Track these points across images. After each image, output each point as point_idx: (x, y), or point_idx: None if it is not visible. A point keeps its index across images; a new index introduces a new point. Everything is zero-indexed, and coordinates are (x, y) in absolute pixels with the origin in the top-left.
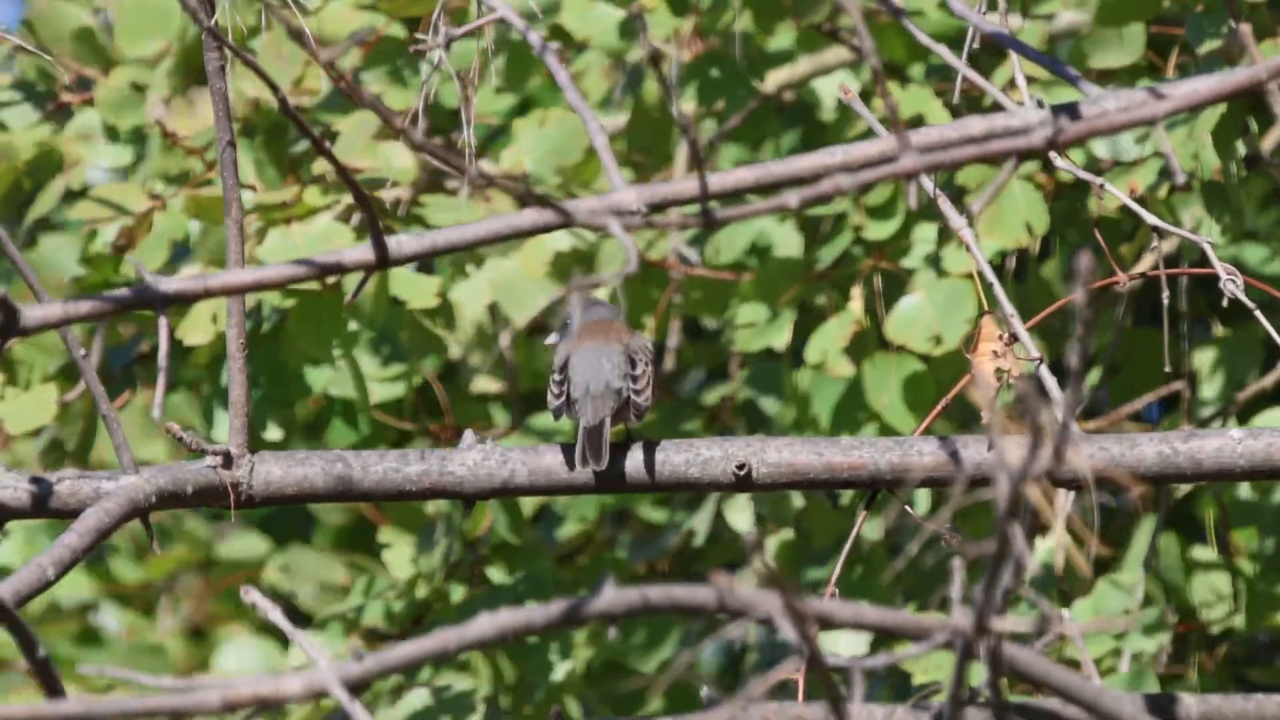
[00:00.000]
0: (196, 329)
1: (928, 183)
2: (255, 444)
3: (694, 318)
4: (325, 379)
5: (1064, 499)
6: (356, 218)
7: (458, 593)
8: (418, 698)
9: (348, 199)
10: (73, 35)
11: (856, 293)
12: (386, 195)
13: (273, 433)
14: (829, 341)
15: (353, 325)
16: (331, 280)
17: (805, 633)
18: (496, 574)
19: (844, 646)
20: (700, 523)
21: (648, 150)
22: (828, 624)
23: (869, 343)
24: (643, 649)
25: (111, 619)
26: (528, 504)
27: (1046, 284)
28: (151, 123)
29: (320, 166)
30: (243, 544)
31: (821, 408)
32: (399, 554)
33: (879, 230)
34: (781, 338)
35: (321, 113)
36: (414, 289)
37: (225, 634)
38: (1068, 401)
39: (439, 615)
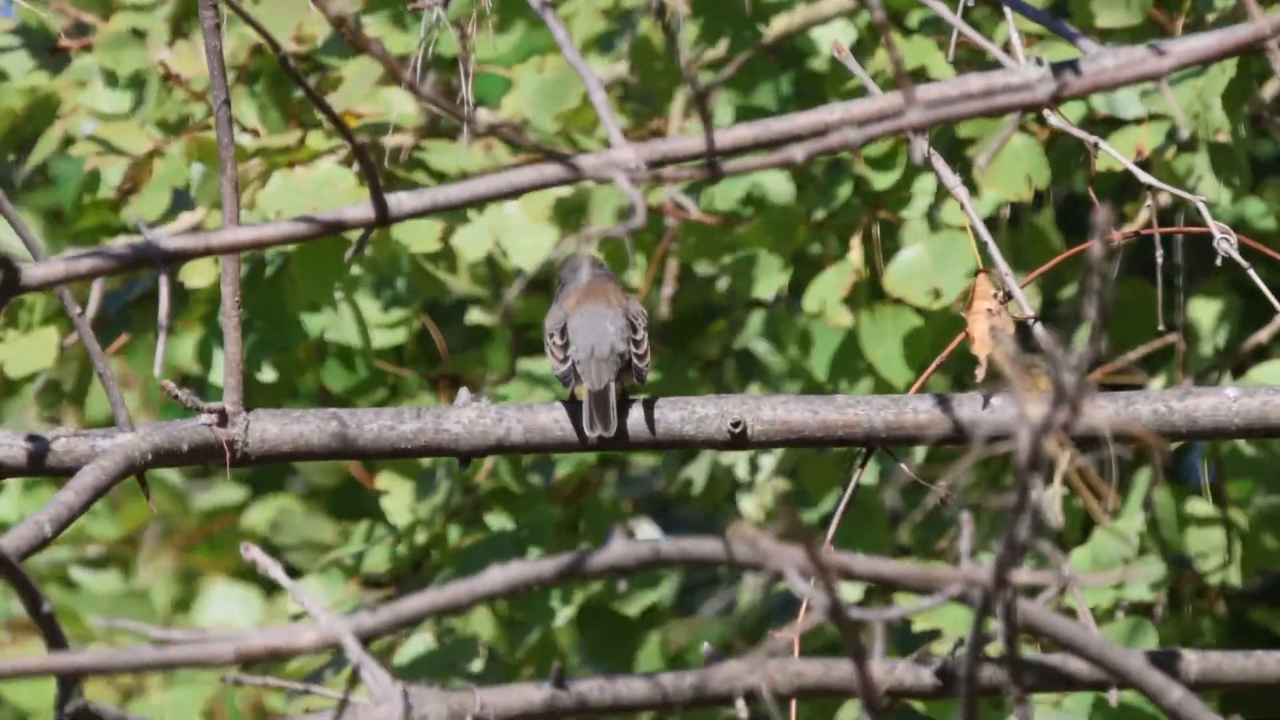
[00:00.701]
0: (198, 271)
1: (923, 142)
2: (250, 387)
3: (688, 264)
4: (321, 323)
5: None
6: (356, 162)
7: (456, 538)
8: (420, 643)
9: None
10: None
11: (856, 242)
12: (389, 141)
13: (267, 374)
14: (827, 291)
15: (355, 270)
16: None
17: (828, 586)
18: (496, 520)
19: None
20: (698, 472)
21: (647, 100)
22: (847, 577)
23: (867, 293)
24: (630, 595)
25: (90, 577)
26: None
27: (1041, 233)
28: (154, 64)
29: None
30: (220, 492)
31: (819, 358)
32: (398, 500)
33: (880, 181)
34: (779, 286)
35: (323, 56)
36: (416, 233)
37: (207, 582)
38: (1085, 354)
39: (438, 562)
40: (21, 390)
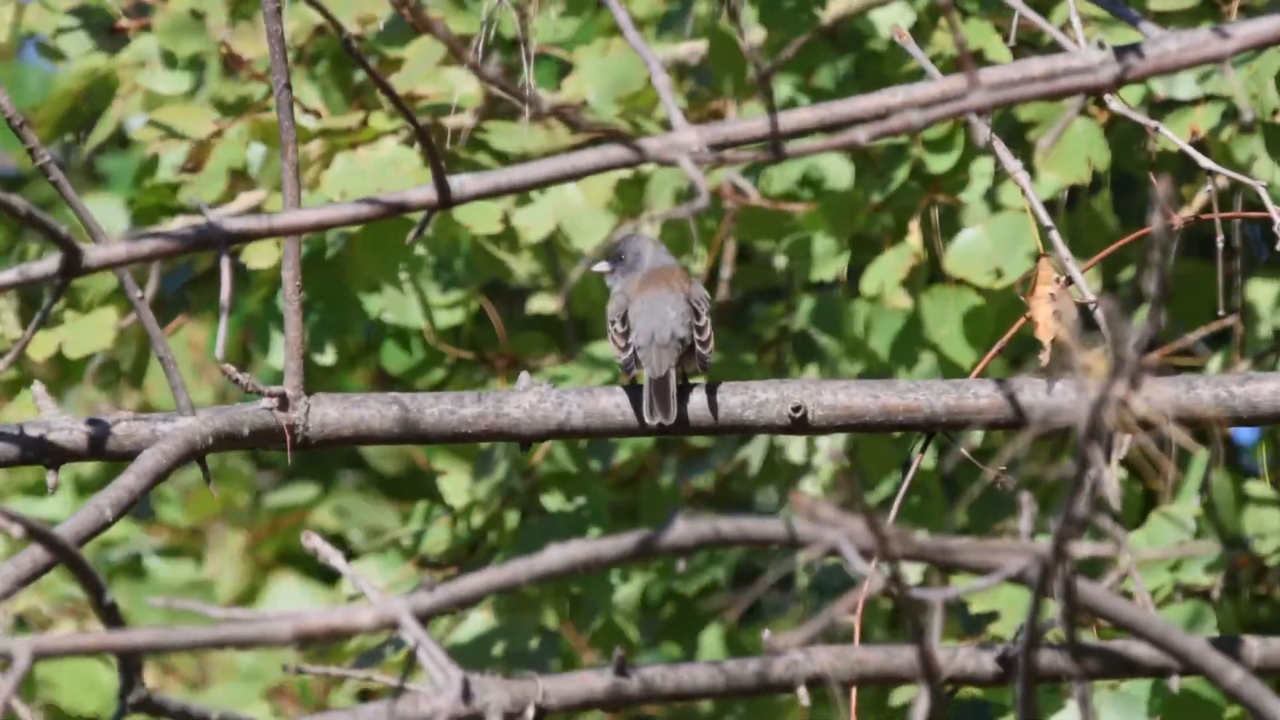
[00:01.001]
0: (260, 253)
1: (985, 125)
2: (309, 368)
3: (746, 246)
4: (380, 304)
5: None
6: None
7: (513, 520)
8: (476, 623)
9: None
10: None
11: (914, 225)
12: (450, 122)
13: (327, 356)
14: (886, 273)
15: (419, 250)
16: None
17: (889, 557)
18: (552, 502)
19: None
20: (755, 452)
21: (706, 79)
22: (908, 553)
23: (925, 275)
24: (691, 575)
25: (160, 565)
26: None
27: (1098, 216)
28: (216, 44)
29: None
30: (292, 491)
31: (879, 341)
32: (455, 482)
33: (938, 164)
34: (837, 269)
35: (380, 44)
36: (478, 214)
37: (272, 576)
38: (1145, 330)
39: (495, 544)
40: (77, 371)
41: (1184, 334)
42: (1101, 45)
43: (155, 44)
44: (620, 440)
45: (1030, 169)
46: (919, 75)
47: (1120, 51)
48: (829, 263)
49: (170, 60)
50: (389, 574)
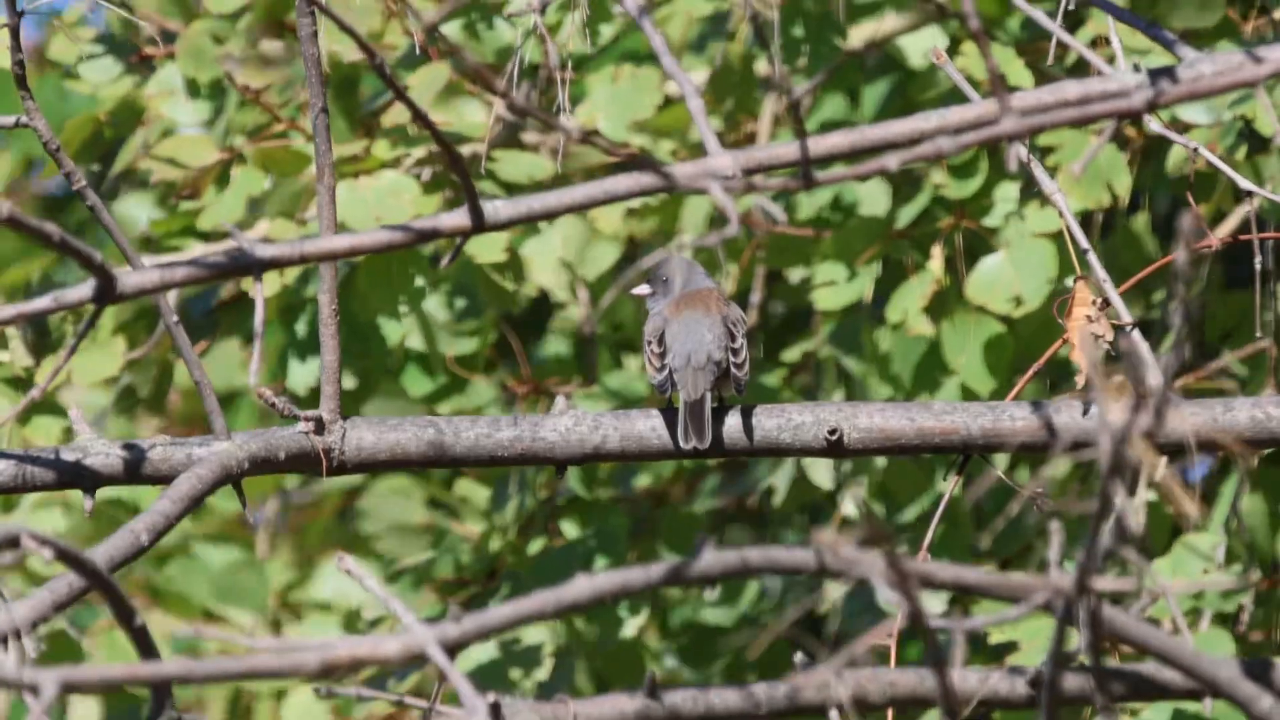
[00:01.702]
0: (266, 279)
1: (1022, 149)
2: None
3: (776, 270)
4: (400, 331)
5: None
6: (426, 172)
7: (535, 545)
8: (485, 650)
9: (417, 153)
10: None
11: (937, 251)
12: (465, 150)
13: (348, 381)
14: (909, 300)
15: (419, 281)
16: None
17: (909, 594)
18: (571, 528)
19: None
20: (780, 479)
21: (732, 105)
22: (929, 585)
23: (949, 302)
24: (720, 603)
25: (209, 553)
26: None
27: (1135, 238)
28: (224, 76)
29: (390, 119)
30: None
31: (902, 367)
32: (474, 509)
33: (961, 189)
34: (861, 295)
35: (398, 70)
36: (482, 244)
37: (323, 561)
38: (1168, 363)
39: (513, 568)
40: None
41: (1220, 354)
42: (1137, 68)
43: (176, 72)
44: (641, 465)
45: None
46: (949, 99)
47: (1154, 75)
48: (851, 289)
49: (194, 88)
50: (408, 599)
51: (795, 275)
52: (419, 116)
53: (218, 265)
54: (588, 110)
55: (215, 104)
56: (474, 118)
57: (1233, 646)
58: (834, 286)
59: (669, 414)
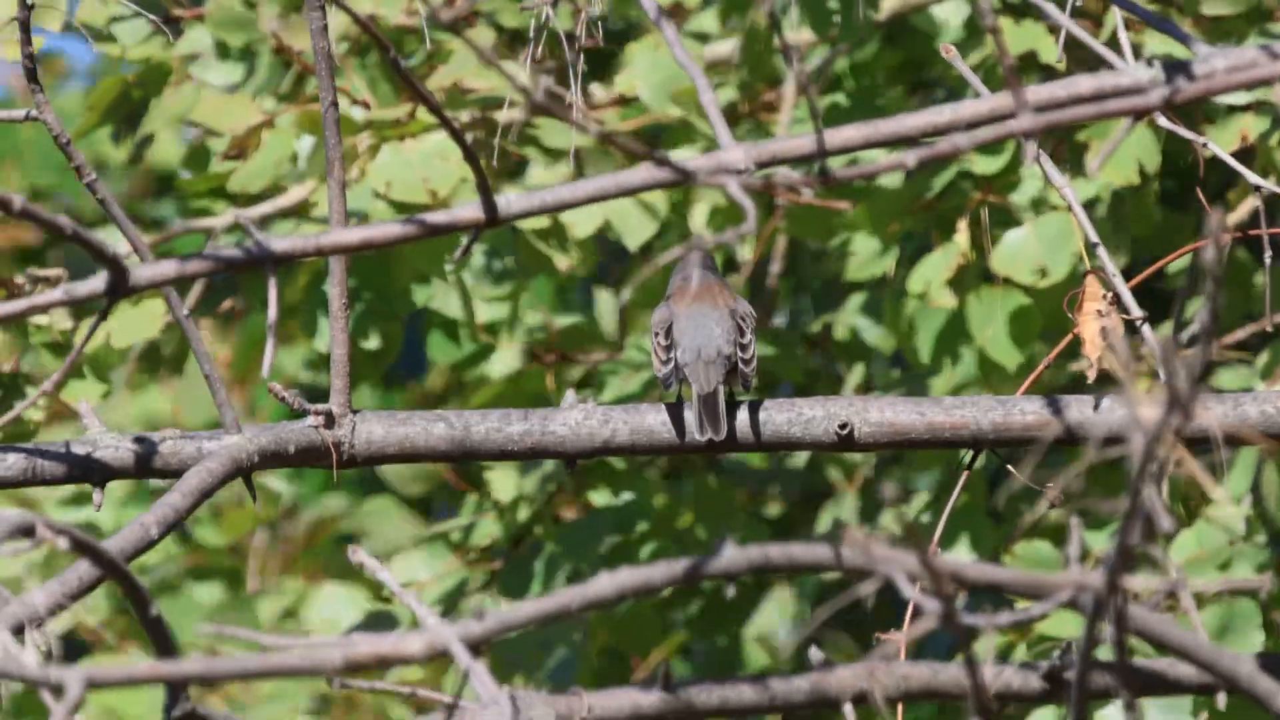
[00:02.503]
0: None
1: (1033, 145)
2: (355, 358)
3: (796, 241)
4: (428, 294)
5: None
6: (470, 136)
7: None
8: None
9: (463, 116)
10: None
11: (963, 225)
12: (502, 117)
13: (372, 342)
14: (933, 272)
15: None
16: (446, 195)
17: (942, 591)
18: (599, 497)
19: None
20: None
21: (747, 75)
22: (960, 582)
23: (973, 276)
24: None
25: (200, 589)
26: None
27: (1145, 207)
28: (266, 36)
29: (435, 82)
30: (323, 503)
31: (923, 338)
32: (502, 476)
33: (987, 165)
34: (884, 268)
35: (432, 32)
36: None
37: (314, 587)
38: (1196, 361)
39: (541, 537)
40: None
41: (1238, 331)
42: (1150, 63)
43: (208, 34)
44: None
45: (1080, 169)
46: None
47: (1169, 71)
48: (875, 262)
49: (223, 51)
50: (435, 566)
51: (814, 245)
52: (427, 103)
53: (232, 259)
54: (628, 79)
55: (247, 66)
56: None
57: (1259, 617)
58: (863, 257)
59: (674, 408)
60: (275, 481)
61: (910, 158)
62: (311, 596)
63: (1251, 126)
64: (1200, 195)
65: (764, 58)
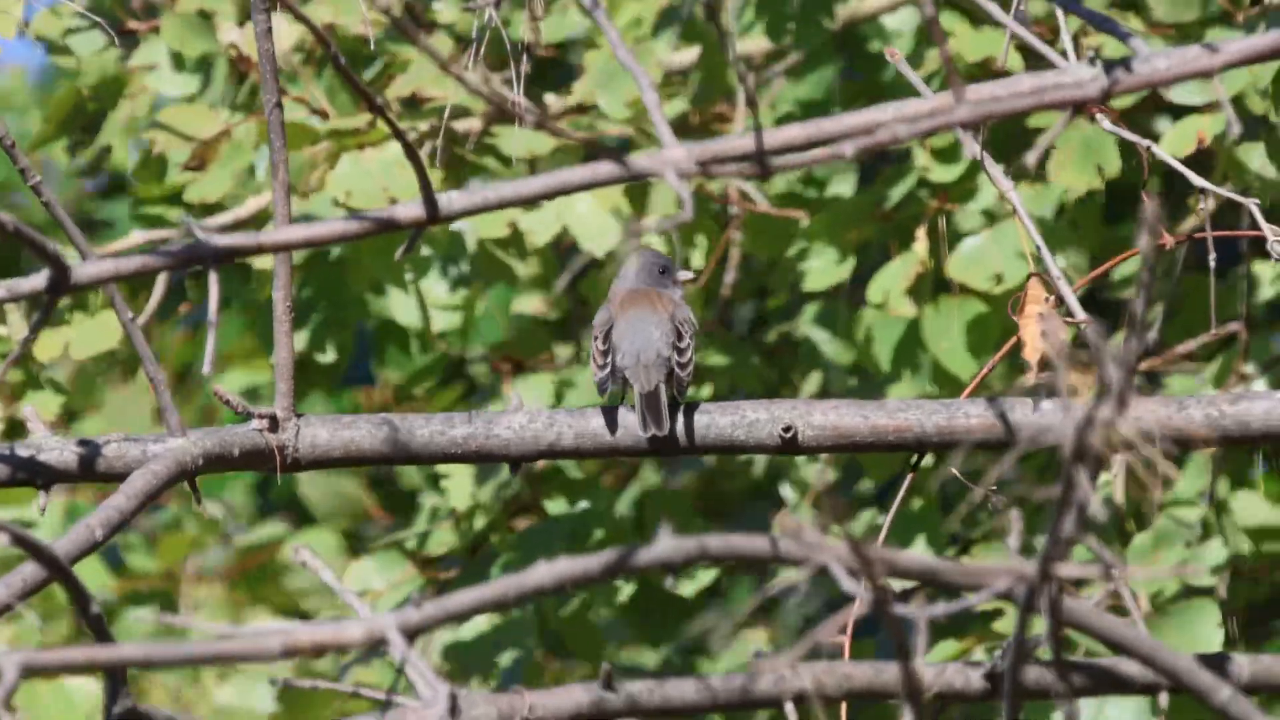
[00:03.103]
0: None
1: (973, 144)
2: (308, 367)
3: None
4: (384, 304)
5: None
6: (429, 145)
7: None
8: (473, 625)
9: (421, 126)
10: None
11: (921, 234)
12: (459, 125)
13: (329, 355)
14: (891, 282)
15: (425, 250)
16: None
17: (874, 581)
18: (555, 506)
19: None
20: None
21: (698, 87)
22: (893, 573)
23: (931, 285)
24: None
25: (134, 614)
26: None
27: (1091, 213)
28: (225, 47)
29: (393, 92)
30: (261, 530)
31: (881, 349)
32: (459, 484)
33: (943, 173)
34: (839, 278)
35: (389, 43)
36: (485, 218)
37: (249, 616)
38: (1129, 350)
39: (498, 546)
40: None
41: (1184, 344)
42: (1093, 61)
43: (162, 46)
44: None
45: (1041, 177)
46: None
47: (1109, 66)
48: (831, 272)
49: (179, 62)
50: (390, 574)
51: (770, 258)
52: (370, 104)
53: (173, 255)
54: (586, 87)
55: (202, 77)
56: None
57: (1217, 615)
58: (820, 268)
59: (610, 411)
60: (214, 507)
61: (848, 147)
62: (247, 622)
63: (1208, 128)
64: (1145, 196)
65: (720, 69)
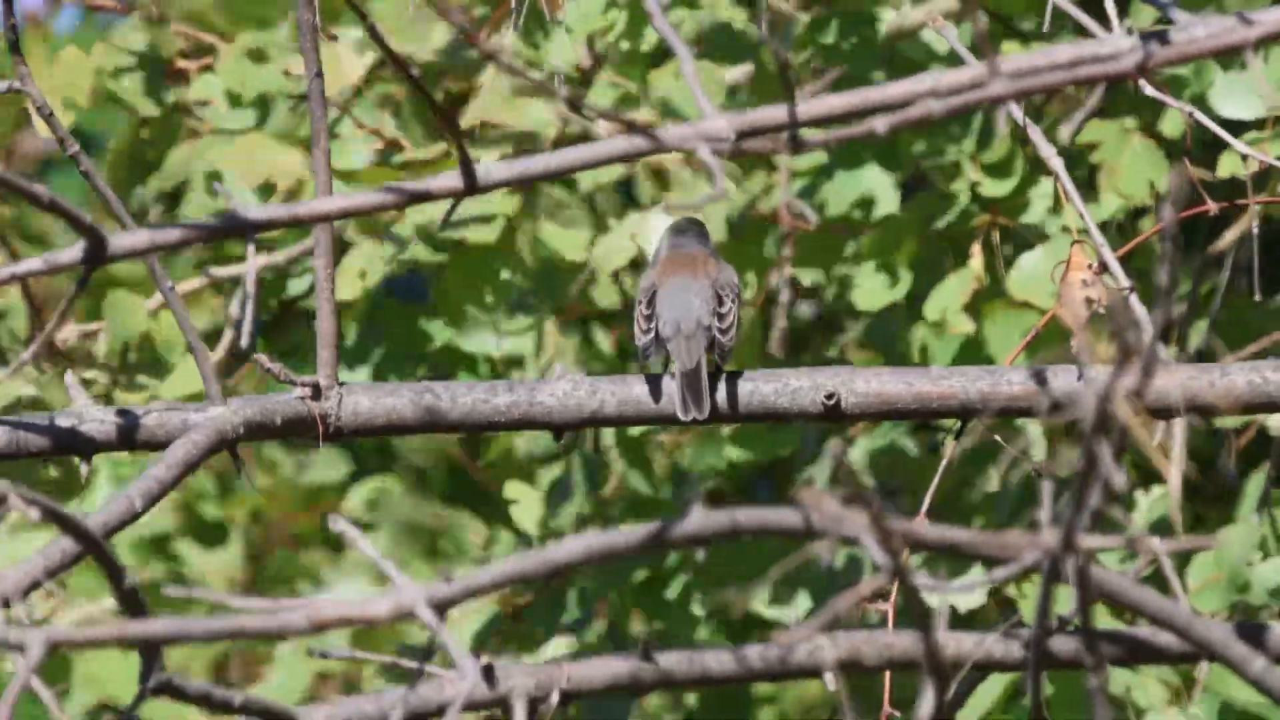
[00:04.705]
0: (346, 284)
1: (1018, 112)
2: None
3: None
4: (449, 334)
5: (1177, 442)
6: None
7: None
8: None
9: (491, 155)
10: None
11: (976, 249)
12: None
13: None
14: (949, 299)
15: (504, 274)
16: (478, 238)
17: (893, 553)
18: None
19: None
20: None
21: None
22: (916, 545)
23: (988, 299)
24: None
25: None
26: (661, 462)
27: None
28: (282, 78)
29: (468, 121)
30: (321, 470)
31: (939, 365)
32: (527, 510)
33: (996, 188)
34: (893, 298)
35: (455, 69)
36: (564, 240)
37: (309, 562)
38: (1155, 319)
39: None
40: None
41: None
42: (1130, 32)
43: (218, 83)
44: (699, 471)
45: (1093, 190)
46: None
47: (1145, 38)
48: (883, 294)
49: (235, 100)
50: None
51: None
52: (450, 124)
53: (209, 228)
54: (645, 111)
55: (259, 112)
56: (542, 116)
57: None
58: (873, 288)
59: (654, 380)
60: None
61: (880, 123)
62: (306, 586)
63: (1269, 146)
64: (1187, 164)
65: (774, 90)
